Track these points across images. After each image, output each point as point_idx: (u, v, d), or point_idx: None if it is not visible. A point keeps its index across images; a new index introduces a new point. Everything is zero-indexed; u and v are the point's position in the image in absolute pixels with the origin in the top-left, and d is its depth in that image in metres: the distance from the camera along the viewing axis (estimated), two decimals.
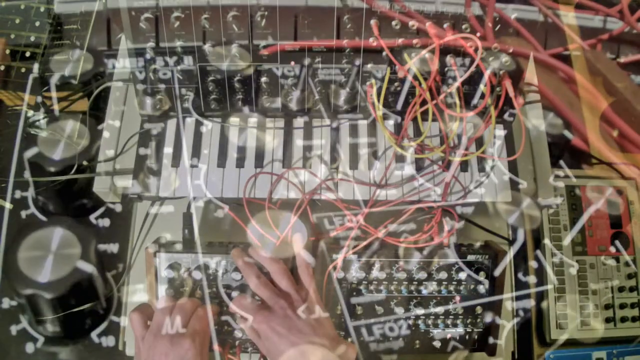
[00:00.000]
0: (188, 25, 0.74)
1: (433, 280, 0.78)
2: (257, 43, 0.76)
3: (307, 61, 0.77)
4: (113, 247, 0.83)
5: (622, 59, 0.87)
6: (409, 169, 0.81)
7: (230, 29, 0.75)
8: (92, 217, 0.85)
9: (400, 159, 0.81)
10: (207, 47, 0.76)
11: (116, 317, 0.82)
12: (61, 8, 0.96)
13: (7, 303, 0.79)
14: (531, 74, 0.88)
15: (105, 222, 0.85)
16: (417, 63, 0.75)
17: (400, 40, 0.77)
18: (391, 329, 0.78)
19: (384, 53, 0.77)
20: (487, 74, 0.76)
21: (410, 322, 0.78)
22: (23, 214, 0.86)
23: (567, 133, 0.79)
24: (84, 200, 0.86)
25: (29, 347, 0.79)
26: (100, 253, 0.79)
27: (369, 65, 0.78)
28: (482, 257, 0.78)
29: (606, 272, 0.90)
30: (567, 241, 0.82)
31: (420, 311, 0.78)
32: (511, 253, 0.87)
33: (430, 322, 0.78)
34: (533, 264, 0.89)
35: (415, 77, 0.76)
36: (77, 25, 0.99)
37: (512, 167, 0.82)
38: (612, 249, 0.90)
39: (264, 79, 0.79)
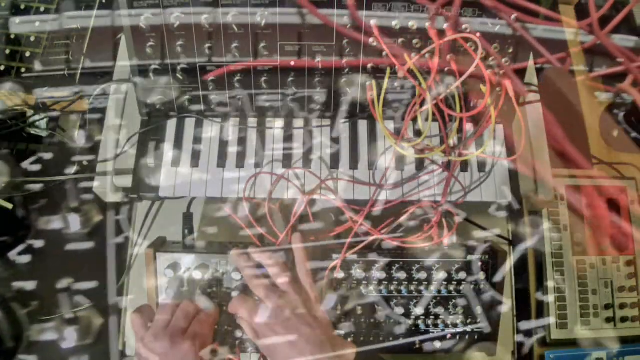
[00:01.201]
0: (188, 25, 0.74)
1: (433, 280, 0.78)
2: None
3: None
4: (30, 285, 0.83)
5: (595, 73, 0.86)
6: (409, 169, 0.81)
7: (230, 29, 0.75)
8: (11, 255, 0.85)
9: (400, 159, 0.81)
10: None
11: (25, 356, 0.81)
12: (17, 29, 0.97)
13: None
14: (531, 74, 0.88)
15: (26, 259, 0.85)
16: (359, 91, 0.78)
17: (400, 41, 0.77)
18: (391, 329, 0.78)
19: (384, 53, 0.77)
20: (486, 74, 0.76)
21: (410, 322, 0.78)
22: None
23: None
24: (4, 237, 0.86)
25: None
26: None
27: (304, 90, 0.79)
28: (482, 257, 0.78)
29: (606, 272, 0.90)
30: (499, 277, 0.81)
31: (420, 311, 0.78)
32: (511, 253, 0.87)
33: (430, 322, 0.78)
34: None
35: (415, 77, 0.76)
36: (77, 25, 0.99)
37: (512, 167, 0.82)
38: (612, 249, 0.91)
39: (263, 79, 0.79)
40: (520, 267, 0.88)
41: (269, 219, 0.76)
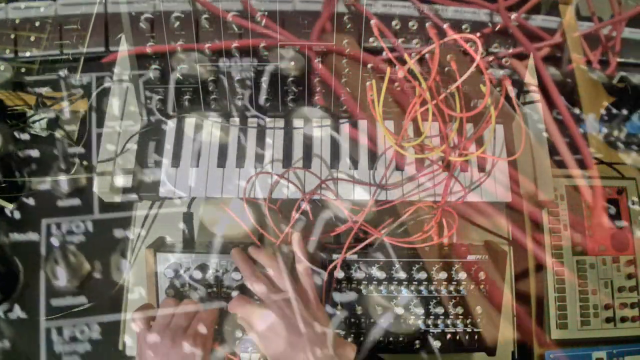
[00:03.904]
0: (188, 25, 0.74)
1: (433, 280, 0.78)
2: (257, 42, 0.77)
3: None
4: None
5: (504, 52, 0.85)
6: (409, 169, 0.81)
7: (230, 29, 0.75)
8: None
9: (400, 159, 0.81)
10: (206, 46, 0.76)
11: None
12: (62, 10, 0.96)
13: None
14: (531, 74, 0.88)
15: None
16: (183, 70, 0.78)
17: (400, 41, 0.77)
18: (391, 329, 0.78)
19: (384, 53, 0.77)
20: (486, 74, 0.76)
21: (411, 321, 0.78)
22: None
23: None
24: None
25: None
26: None
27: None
28: (482, 257, 0.78)
29: (606, 272, 0.90)
30: None
31: (420, 311, 0.78)
32: (511, 253, 0.87)
33: (430, 322, 0.78)
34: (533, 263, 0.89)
35: (414, 77, 0.76)
36: (77, 25, 0.99)
37: (512, 167, 0.82)
38: (612, 249, 0.90)
39: (263, 79, 0.79)
40: (520, 267, 0.88)
41: (269, 219, 0.76)
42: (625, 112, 0.94)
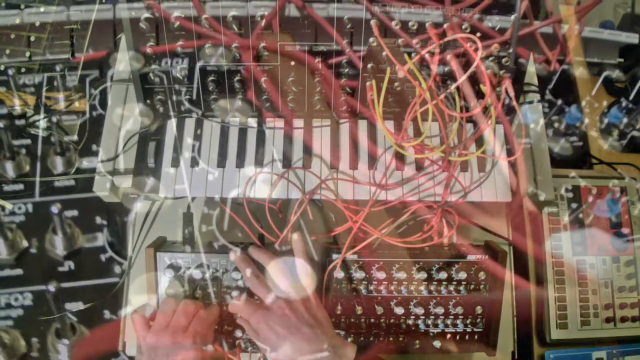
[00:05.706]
0: (188, 25, 0.74)
1: (433, 280, 0.78)
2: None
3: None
4: None
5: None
6: (409, 169, 0.81)
7: (230, 29, 0.75)
8: None
9: (400, 159, 0.81)
10: (207, 47, 0.76)
11: None
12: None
13: None
14: (531, 74, 0.88)
15: None
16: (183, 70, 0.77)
17: (400, 40, 0.77)
18: (390, 329, 0.78)
19: (384, 53, 0.77)
20: (486, 74, 0.76)
21: (410, 322, 0.78)
22: None
23: None
24: None
25: None
26: None
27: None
28: (482, 257, 0.78)
29: (606, 272, 0.90)
30: None
31: (420, 311, 0.78)
32: (511, 253, 0.87)
33: (430, 322, 0.78)
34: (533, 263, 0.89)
35: (414, 77, 0.76)
36: (77, 25, 0.99)
37: (512, 167, 0.82)
38: (612, 249, 0.91)
39: (264, 78, 0.79)
40: (520, 267, 0.88)
41: (269, 219, 0.76)
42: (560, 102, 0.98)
